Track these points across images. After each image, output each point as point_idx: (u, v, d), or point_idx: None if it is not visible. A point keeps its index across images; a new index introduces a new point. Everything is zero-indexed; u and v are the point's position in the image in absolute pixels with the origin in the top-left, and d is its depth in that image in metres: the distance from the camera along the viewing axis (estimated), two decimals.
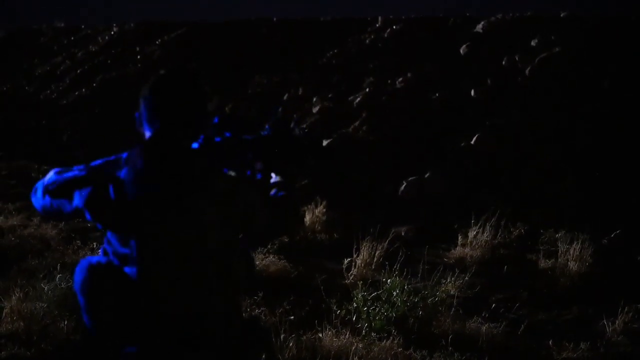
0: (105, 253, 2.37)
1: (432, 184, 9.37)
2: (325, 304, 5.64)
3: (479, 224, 7.50)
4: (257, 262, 6.40)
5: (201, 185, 2.32)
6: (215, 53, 15.72)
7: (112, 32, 19.12)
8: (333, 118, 11.82)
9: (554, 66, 11.32)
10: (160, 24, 18.44)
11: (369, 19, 15.51)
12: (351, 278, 6.45)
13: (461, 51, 12.75)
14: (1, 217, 8.12)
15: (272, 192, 2.55)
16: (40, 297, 5.23)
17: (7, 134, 14.67)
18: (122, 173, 2.29)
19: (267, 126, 2.58)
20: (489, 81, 11.51)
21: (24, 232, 7.55)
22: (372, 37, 14.58)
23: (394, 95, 11.98)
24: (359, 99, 12.16)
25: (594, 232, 7.37)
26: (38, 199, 2.43)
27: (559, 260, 6.94)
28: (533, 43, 12.16)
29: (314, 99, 12.65)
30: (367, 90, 12.39)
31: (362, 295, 5.52)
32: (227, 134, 2.51)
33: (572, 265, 6.78)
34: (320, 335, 4.96)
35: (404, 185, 9.39)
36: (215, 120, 2.51)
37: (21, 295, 5.23)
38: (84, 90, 16.20)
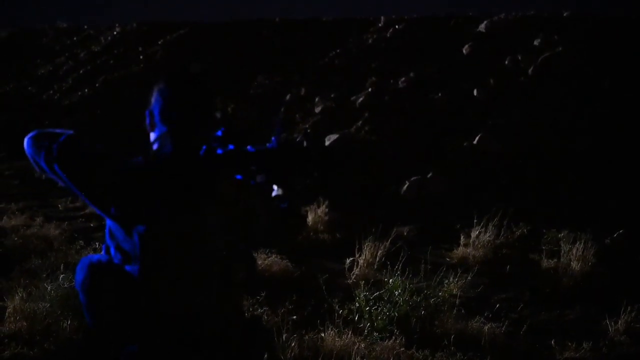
0: (107, 250, 2.37)
1: (434, 184, 9.37)
2: (328, 303, 5.64)
3: (481, 224, 7.49)
4: (259, 262, 6.41)
5: (208, 187, 2.32)
6: (217, 53, 15.73)
7: (115, 33, 19.15)
8: (335, 118, 11.81)
9: (556, 66, 11.32)
10: (162, 24, 18.46)
11: (371, 19, 15.52)
12: (353, 278, 6.44)
13: (463, 51, 12.75)
14: (4, 218, 8.13)
15: (275, 204, 2.55)
16: (43, 297, 5.23)
17: (9, 134, 14.67)
18: (138, 160, 2.28)
19: (273, 138, 2.57)
20: (491, 81, 11.51)
21: (27, 232, 7.56)
22: (375, 37, 14.59)
23: (396, 95, 11.98)
24: (361, 99, 12.16)
25: (597, 232, 7.36)
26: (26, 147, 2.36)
27: (562, 260, 6.94)
28: (535, 43, 12.16)
29: (316, 99, 12.65)
30: (370, 90, 12.39)
31: (364, 295, 5.51)
32: (231, 147, 2.50)
33: (575, 265, 6.78)
34: (323, 335, 4.96)
35: (406, 185, 9.39)
36: (219, 133, 2.51)
37: (24, 295, 5.24)
38: (86, 90, 16.21)
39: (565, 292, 6.52)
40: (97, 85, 16.30)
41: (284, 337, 4.70)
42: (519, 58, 11.81)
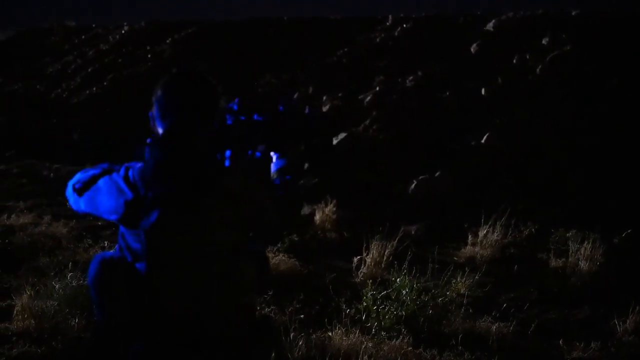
0: (120, 249, 2.39)
1: (441, 183, 9.35)
2: (335, 302, 5.65)
3: (489, 223, 7.48)
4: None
5: (210, 185, 2.32)
6: (225, 52, 15.75)
7: (123, 31, 19.19)
8: (343, 117, 11.81)
9: (564, 65, 11.29)
10: (171, 23, 18.49)
11: (379, 17, 15.51)
12: (361, 277, 6.44)
13: (471, 50, 12.73)
14: (12, 216, 8.15)
15: (277, 179, 2.57)
16: (51, 295, 5.24)
17: (18, 132, 14.73)
18: (136, 168, 2.33)
19: (280, 107, 2.61)
20: (499, 80, 11.49)
21: (35, 231, 7.57)
22: (382, 35, 14.58)
23: (404, 94, 11.97)
24: (369, 97, 12.15)
25: (605, 231, 7.33)
26: (69, 197, 2.47)
27: (570, 259, 6.92)
28: (544, 42, 12.13)
29: (324, 98, 12.65)
30: (377, 89, 12.38)
31: (371, 294, 5.51)
32: (242, 118, 2.54)
33: (583, 265, 6.76)
34: (330, 334, 4.96)
35: (413, 184, 9.38)
36: (234, 107, 2.54)
37: (32, 293, 5.25)
38: (94, 89, 16.24)
39: (573, 292, 6.50)
40: (105, 83, 16.33)
41: (291, 336, 4.70)
42: (527, 57, 11.79)
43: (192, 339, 2.34)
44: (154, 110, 2.42)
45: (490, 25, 13.34)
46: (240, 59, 15.28)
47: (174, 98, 2.38)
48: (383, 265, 6.58)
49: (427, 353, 4.93)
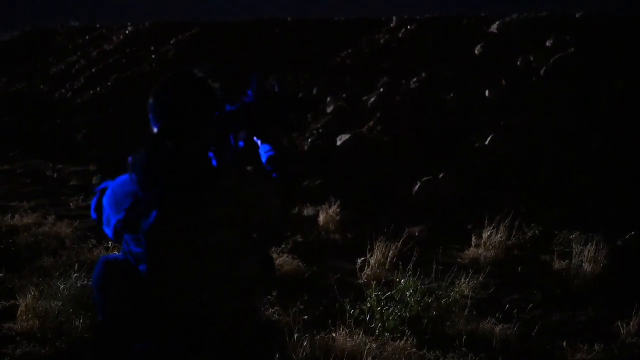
0: (124, 254, 2.41)
1: (445, 184, 9.35)
2: (339, 303, 5.65)
3: (492, 225, 7.48)
4: None
5: (207, 184, 2.32)
6: (229, 52, 15.74)
7: (127, 32, 19.19)
8: (347, 118, 11.80)
9: (568, 67, 11.27)
10: (175, 23, 18.49)
11: (383, 19, 15.48)
12: (364, 278, 6.45)
13: (475, 51, 12.72)
14: (16, 216, 8.16)
15: (269, 166, 2.57)
16: (55, 295, 5.25)
17: (22, 132, 14.75)
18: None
19: (249, 92, 2.61)
20: (503, 81, 11.48)
21: (38, 231, 7.58)
22: (386, 37, 14.56)
23: (408, 95, 11.96)
24: (373, 99, 12.15)
25: (609, 233, 7.33)
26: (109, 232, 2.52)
27: (573, 261, 6.91)
28: (548, 43, 12.11)
29: (328, 99, 12.64)
30: (382, 90, 12.37)
31: (375, 295, 5.52)
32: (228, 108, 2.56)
33: (587, 267, 6.75)
34: (334, 334, 4.97)
35: (417, 186, 9.37)
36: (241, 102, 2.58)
37: (36, 294, 5.26)
38: (98, 89, 16.25)
39: (576, 294, 6.50)
40: (109, 83, 16.33)
41: (295, 337, 4.71)
42: (531, 59, 11.77)
43: (195, 340, 2.34)
44: (149, 113, 2.44)
45: (494, 27, 13.33)
46: (244, 59, 15.27)
47: (161, 102, 2.39)
48: (387, 266, 6.59)
49: (430, 354, 4.94)
